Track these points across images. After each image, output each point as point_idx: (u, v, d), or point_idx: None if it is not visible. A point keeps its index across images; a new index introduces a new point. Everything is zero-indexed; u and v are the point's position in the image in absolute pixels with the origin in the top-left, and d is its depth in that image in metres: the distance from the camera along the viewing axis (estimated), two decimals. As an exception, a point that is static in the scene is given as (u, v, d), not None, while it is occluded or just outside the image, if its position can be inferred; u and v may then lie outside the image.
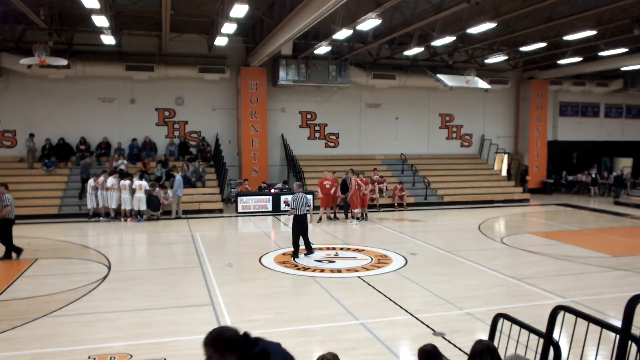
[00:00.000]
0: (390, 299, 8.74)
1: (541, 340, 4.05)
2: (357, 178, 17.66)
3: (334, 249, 13.00)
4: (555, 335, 4.01)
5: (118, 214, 17.53)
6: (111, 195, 17.32)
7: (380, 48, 21.85)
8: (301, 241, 11.90)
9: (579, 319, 3.96)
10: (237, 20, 14.45)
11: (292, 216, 11.96)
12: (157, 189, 17.95)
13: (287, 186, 21.25)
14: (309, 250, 11.95)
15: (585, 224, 18.03)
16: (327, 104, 23.73)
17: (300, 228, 11.78)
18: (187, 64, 20.97)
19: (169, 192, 18.12)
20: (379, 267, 11.00)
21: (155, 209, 17.70)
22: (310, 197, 12.47)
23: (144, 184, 17.40)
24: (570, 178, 27.36)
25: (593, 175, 26.09)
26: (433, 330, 7.26)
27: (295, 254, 11.74)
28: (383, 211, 19.95)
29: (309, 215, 12.21)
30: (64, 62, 17.61)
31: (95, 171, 18.41)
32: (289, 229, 15.03)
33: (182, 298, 8.92)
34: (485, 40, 20.12)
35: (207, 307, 8.35)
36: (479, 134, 26.22)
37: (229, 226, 17.75)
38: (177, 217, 18.01)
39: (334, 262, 11.44)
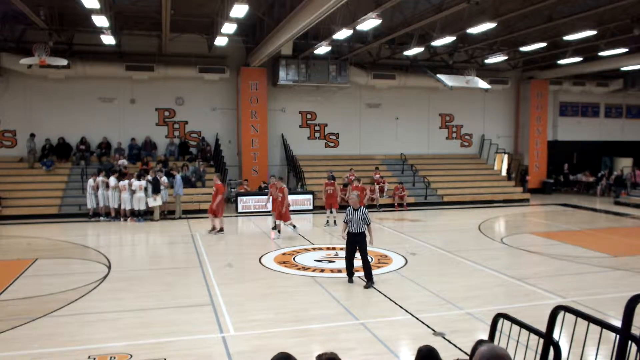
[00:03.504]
0: (390, 299, 8.74)
1: (541, 340, 4.05)
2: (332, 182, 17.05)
3: (334, 248, 13.00)
4: (555, 335, 4.01)
5: (118, 214, 17.54)
6: (111, 195, 17.31)
7: (380, 48, 21.83)
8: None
9: (579, 319, 3.96)
10: (237, 20, 14.46)
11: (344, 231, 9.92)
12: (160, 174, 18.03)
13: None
14: (369, 278, 9.61)
15: (585, 224, 18.01)
16: (327, 104, 23.72)
17: (352, 249, 9.70)
18: (187, 64, 20.96)
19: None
20: (379, 267, 10.99)
21: (156, 191, 17.50)
22: (365, 213, 9.87)
23: (143, 183, 17.38)
24: (570, 178, 27.39)
25: (598, 176, 26.28)
26: (433, 330, 7.26)
27: (349, 275, 9.85)
28: (383, 211, 19.95)
29: (367, 234, 9.81)
30: (64, 62, 17.61)
31: (92, 170, 18.51)
32: (289, 229, 15.05)
33: (182, 298, 8.92)
34: (485, 40, 20.11)
35: (207, 307, 8.35)
36: (479, 134, 26.21)
37: (229, 226, 17.72)
38: (177, 217, 18.00)
39: (334, 262, 11.43)
